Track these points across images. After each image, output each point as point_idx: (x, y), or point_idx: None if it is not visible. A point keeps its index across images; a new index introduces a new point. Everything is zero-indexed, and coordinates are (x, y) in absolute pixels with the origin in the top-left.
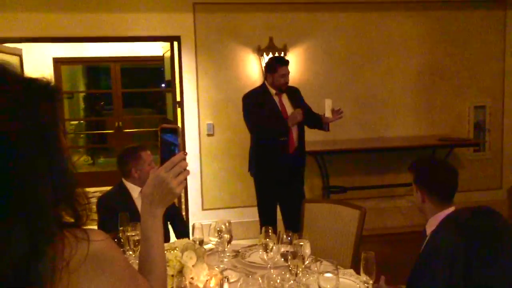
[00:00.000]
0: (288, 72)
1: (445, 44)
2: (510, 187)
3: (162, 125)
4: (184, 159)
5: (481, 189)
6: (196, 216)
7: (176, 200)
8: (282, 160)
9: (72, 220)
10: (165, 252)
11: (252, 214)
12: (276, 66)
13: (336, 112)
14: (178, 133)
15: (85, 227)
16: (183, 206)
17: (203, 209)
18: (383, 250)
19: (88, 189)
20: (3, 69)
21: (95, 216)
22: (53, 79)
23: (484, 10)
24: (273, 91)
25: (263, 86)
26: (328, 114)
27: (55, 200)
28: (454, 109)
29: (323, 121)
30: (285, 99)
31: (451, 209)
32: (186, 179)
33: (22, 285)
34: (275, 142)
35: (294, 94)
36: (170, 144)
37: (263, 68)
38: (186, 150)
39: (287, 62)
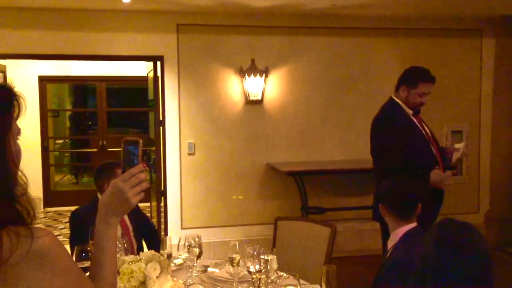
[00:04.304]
0: (429, 92)
1: None
2: (487, 211)
3: (125, 137)
4: (143, 171)
5: (459, 213)
6: (175, 234)
7: (155, 220)
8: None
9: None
10: (130, 263)
11: (231, 234)
12: (418, 81)
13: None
14: (139, 146)
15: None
16: (162, 226)
17: (182, 228)
18: (360, 271)
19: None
20: None
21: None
22: (12, 87)
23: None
24: (409, 111)
25: (395, 104)
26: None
27: None
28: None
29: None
30: (420, 123)
31: (412, 225)
32: (143, 191)
33: None
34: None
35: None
36: (131, 155)
37: (400, 78)
38: (167, 169)
39: (432, 79)
